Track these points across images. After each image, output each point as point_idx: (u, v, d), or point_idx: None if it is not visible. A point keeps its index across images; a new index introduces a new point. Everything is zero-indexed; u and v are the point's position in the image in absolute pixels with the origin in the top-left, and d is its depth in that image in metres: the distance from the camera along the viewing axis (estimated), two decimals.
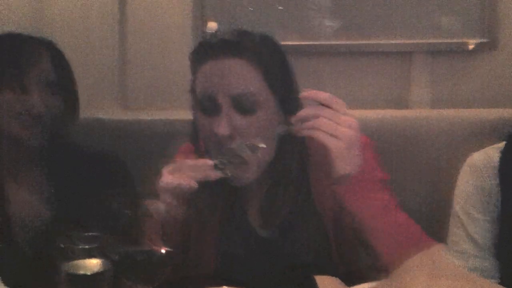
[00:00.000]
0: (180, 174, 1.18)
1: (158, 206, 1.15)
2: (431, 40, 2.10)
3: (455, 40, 2.10)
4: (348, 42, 2.12)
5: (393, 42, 2.11)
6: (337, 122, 1.12)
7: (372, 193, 1.20)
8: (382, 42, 2.11)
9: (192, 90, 1.35)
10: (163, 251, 1.02)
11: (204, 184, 1.21)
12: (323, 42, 2.13)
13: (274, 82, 1.30)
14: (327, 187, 1.26)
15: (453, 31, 2.10)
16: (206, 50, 1.30)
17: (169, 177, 1.18)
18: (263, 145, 1.23)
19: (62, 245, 1.02)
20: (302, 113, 1.15)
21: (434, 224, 1.69)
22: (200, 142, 1.38)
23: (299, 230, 1.37)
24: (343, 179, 1.16)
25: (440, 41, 2.10)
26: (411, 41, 2.10)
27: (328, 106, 1.13)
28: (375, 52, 2.12)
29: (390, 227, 1.20)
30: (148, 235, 1.03)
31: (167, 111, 2.07)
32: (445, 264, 1.18)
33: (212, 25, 2.09)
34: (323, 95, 1.14)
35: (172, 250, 1.03)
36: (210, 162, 1.19)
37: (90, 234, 1.06)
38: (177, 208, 1.18)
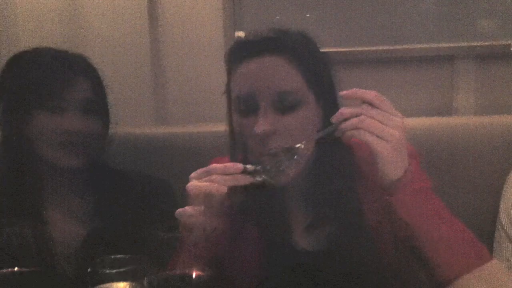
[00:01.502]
0: (209, 178, 1.12)
1: (186, 211, 1.09)
2: (473, 43, 2.02)
3: (497, 43, 2.02)
4: (386, 48, 2.06)
5: (434, 46, 2.04)
6: (383, 122, 1.06)
7: (424, 200, 1.13)
8: (422, 46, 2.04)
9: (228, 93, 1.31)
10: (194, 275, 0.98)
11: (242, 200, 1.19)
12: (358, 48, 2.08)
13: (314, 81, 1.26)
14: (377, 199, 1.19)
15: (495, 33, 2.03)
16: (244, 49, 1.26)
17: (197, 182, 1.13)
18: (300, 145, 1.16)
19: (89, 269, 0.98)
20: (344, 111, 1.08)
21: (481, 235, 1.67)
22: (238, 155, 1.33)
23: (346, 243, 1.28)
24: (391, 186, 1.10)
25: (482, 43, 2.02)
26: (453, 45, 2.03)
27: (373, 105, 1.07)
28: (415, 57, 2.06)
29: (447, 235, 1.12)
30: (182, 259, 0.99)
31: (202, 125, 2.04)
32: (505, 279, 1.11)
33: (240, 36, 2.08)
34: (368, 94, 1.08)
35: (205, 274, 0.98)
36: (240, 165, 1.13)
37: (121, 256, 1.02)
38: (208, 215, 1.12)
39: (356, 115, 1.06)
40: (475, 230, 1.71)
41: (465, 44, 2.03)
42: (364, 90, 1.08)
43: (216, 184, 1.10)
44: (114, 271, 0.98)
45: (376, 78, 2.08)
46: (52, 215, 1.51)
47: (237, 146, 1.30)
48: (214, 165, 1.13)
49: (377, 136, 1.05)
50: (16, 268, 1.11)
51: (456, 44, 2.03)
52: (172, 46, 2.17)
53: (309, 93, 1.25)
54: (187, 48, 2.16)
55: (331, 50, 2.01)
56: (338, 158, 1.28)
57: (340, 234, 1.28)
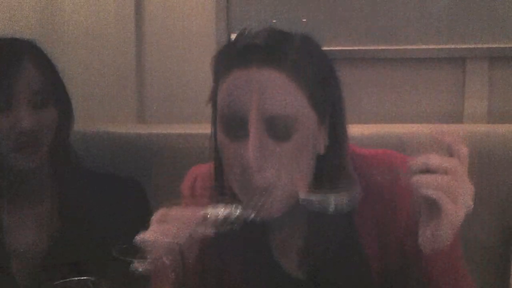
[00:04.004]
0: (166, 226, 0.98)
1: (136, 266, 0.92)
2: (488, 45, 1.88)
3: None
4: (390, 47, 1.92)
5: (444, 47, 1.90)
6: (461, 188, 0.93)
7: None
8: (431, 47, 1.90)
9: (213, 102, 1.12)
10: None
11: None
12: (362, 47, 1.93)
13: (318, 98, 1.07)
14: (374, 224, 1.09)
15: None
16: (233, 55, 1.07)
17: (143, 235, 0.97)
18: None
19: None
20: (433, 161, 0.92)
21: (491, 253, 1.65)
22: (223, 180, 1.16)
23: (338, 270, 1.15)
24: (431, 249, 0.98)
25: (497, 45, 1.88)
26: (465, 46, 1.89)
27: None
28: (423, 58, 1.92)
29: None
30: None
31: (186, 125, 1.93)
32: None
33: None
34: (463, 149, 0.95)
35: None
36: (201, 213, 0.99)
37: (76, 280, 0.89)
38: (168, 263, 0.94)
39: (440, 171, 0.92)
40: (486, 244, 1.65)
41: (479, 45, 1.89)
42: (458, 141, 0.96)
43: (167, 239, 0.95)
44: None
45: (379, 80, 1.96)
46: (8, 222, 1.38)
47: (222, 169, 1.15)
48: (173, 211, 1.02)
49: (453, 201, 0.92)
50: None
51: (469, 45, 1.90)
52: (158, 42, 2.06)
53: (311, 114, 1.06)
54: (174, 43, 2.05)
55: (334, 48, 1.91)
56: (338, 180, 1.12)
57: (330, 256, 1.14)
